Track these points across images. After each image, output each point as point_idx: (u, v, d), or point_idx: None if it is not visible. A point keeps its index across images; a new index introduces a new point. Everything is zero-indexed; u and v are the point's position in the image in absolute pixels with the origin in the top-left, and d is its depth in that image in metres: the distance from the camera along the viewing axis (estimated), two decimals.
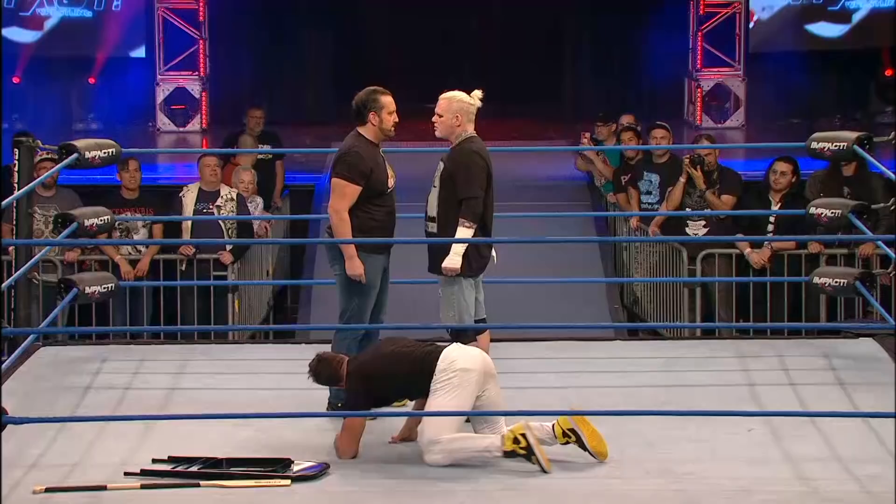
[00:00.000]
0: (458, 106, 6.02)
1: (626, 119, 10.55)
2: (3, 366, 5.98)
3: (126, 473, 5.35)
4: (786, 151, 8.87)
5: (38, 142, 7.19)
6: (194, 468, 5.37)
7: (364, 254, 6.01)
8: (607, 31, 15.17)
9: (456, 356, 5.46)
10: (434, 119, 6.06)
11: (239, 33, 15.02)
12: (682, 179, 9.03)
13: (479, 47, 16.01)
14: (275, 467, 5.36)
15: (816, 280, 6.78)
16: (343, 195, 5.99)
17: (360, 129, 6.10)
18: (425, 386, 5.45)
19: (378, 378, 5.49)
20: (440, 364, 5.44)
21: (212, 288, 8.82)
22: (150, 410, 6.22)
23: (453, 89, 6.08)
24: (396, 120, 6.09)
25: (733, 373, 6.75)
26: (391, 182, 6.11)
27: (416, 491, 5.24)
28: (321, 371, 5.63)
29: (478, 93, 6.04)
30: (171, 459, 5.46)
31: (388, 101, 6.07)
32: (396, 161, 6.26)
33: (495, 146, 6.77)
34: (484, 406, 5.46)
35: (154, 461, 5.45)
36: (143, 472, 5.35)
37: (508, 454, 5.35)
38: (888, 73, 14.65)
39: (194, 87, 14.64)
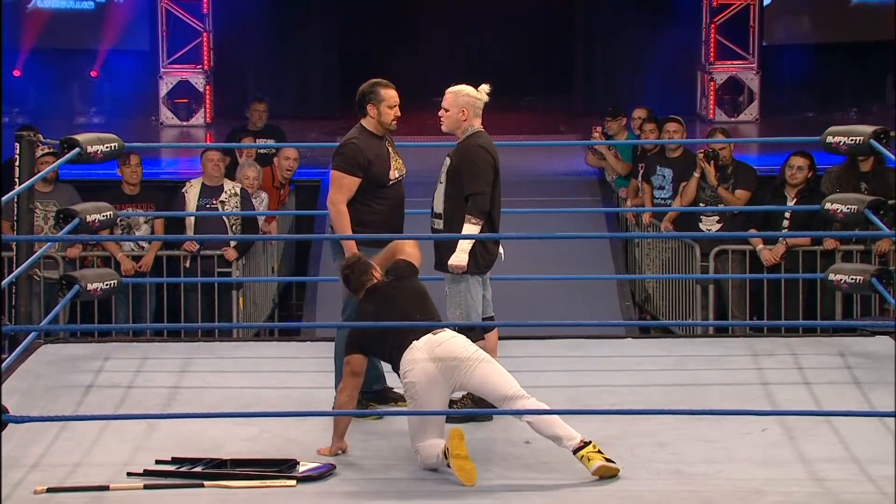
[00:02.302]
0: (465, 100, 5.94)
1: (638, 112, 10.45)
2: (4, 364, 5.95)
3: (129, 474, 5.30)
4: (800, 146, 8.80)
5: (40, 136, 7.11)
6: (198, 469, 5.31)
7: (364, 247, 5.93)
8: (619, 24, 15.08)
9: (406, 368, 5.35)
10: (440, 113, 5.99)
11: (244, 26, 14.94)
12: (697, 174, 8.97)
13: (487, 40, 15.95)
14: (280, 468, 5.30)
15: (832, 277, 6.70)
16: (340, 187, 5.94)
17: (363, 122, 6.04)
18: (396, 367, 5.39)
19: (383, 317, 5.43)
20: (401, 367, 5.36)
21: (216, 285, 8.75)
22: (153, 409, 6.18)
23: (460, 83, 6.00)
24: (397, 114, 6.00)
25: (747, 371, 6.69)
26: (394, 174, 6.01)
27: (423, 491, 5.18)
28: (350, 278, 5.58)
29: (485, 87, 5.97)
30: (175, 460, 5.40)
31: (388, 94, 5.98)
32: (402, 156, 6.16)
33: (504, 140, 6.70)
34: (479, 390, 5.34)
35: (157, 462, 5.39)
36: (147, 473, 5.30)
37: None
38: None
39: (198, 81, 14.57)
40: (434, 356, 5.33)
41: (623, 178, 10.29)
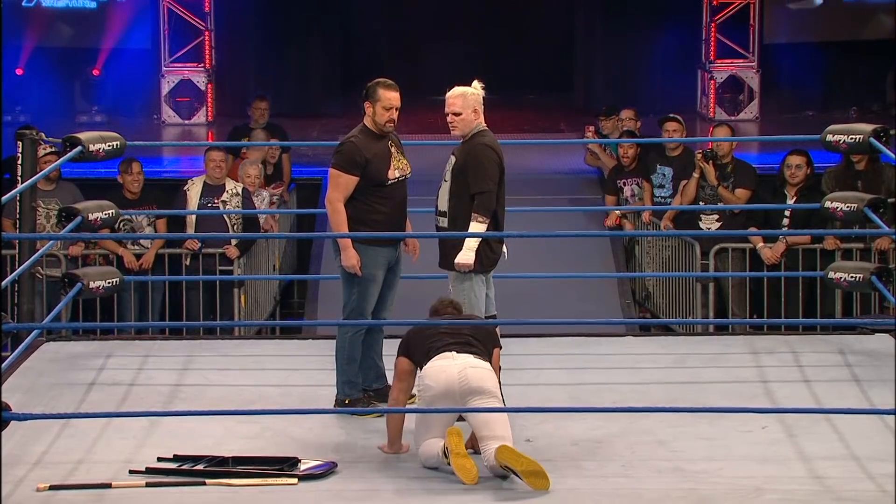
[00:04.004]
0: (474, 99, 5.95)
1: (625, 113, 10.46)
2: (7, 362, 5.95)
3: (131, 471, 5.31)
4: (800, 144, 8.80)
5: (42, 135, 7.13)
6: (200, 466, 5.32)
7: (363, 245, 5.94)
8: (620, 22, 15.08)
9: (427, 371, 5.35)
10: (450, 119, 5.94)
11: (245, 24, 14.93)
12: (696, 174, 8.98)
13: (487, 38, 15.94)
14: (281, 466, 5.31)
15: (832, 275, 6.70)
16: (336, 185, 5.95)
17: (365, 120, 6.04)
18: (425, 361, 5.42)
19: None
20: (428, 364, 5.36)
21: (217, 283, 8.76)
22: (155, 407, 6.18)
23: (460, 83, 5.99)
24: (392, 117, 5.97)
25: (746, 369, 6.69)
26: (393, 174, 6.01)
27: (425, 489, 5.19)
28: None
29: (477, 83, 5.97)
30: (177, 458, 5.41)
31: (387, 95, 5.96)
32: (408, 156, 6.16)
33: (505, 139, 6.70)
34: (476, 421, 5.30)
35: (159, 460, 5.40)
36: (149, 470, 5.31)
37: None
38: None
39: (200, 79, 14.57)
40: (463, 376, 5.29)
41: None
